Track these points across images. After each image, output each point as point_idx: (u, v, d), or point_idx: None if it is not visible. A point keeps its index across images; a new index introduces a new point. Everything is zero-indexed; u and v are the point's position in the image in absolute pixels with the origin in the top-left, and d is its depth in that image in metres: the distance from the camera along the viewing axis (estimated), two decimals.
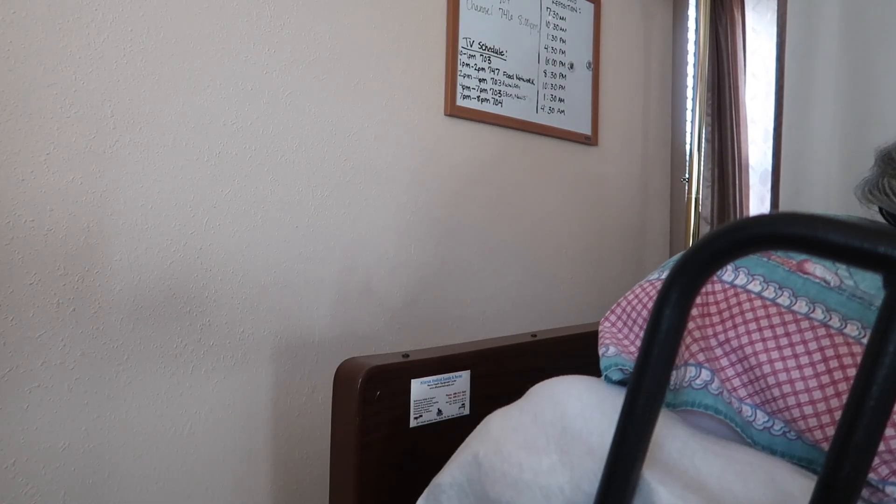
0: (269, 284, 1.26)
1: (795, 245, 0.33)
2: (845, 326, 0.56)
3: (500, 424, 0.61)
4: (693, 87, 1.89)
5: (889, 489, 0.49)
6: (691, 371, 0.60)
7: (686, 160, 1.96)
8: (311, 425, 1.32)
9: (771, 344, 0.57)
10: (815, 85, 1.63)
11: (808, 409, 0.53)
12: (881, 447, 0.49)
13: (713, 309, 0.62)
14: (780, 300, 0.60)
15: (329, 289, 1.35)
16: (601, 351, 0.66)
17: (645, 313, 0.66)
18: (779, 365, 0.55)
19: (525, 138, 1.74)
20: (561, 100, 1.81)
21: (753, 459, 0.52)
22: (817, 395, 0.53)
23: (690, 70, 2.13)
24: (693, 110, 1.87)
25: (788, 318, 0.58)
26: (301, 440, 1.31)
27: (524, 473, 0.54)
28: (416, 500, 0.63)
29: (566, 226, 1.86)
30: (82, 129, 1.04)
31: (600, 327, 0.70)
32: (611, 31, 1.99)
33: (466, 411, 0.89)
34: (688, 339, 0.62)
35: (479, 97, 1.61)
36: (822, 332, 0.56)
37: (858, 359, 0.53)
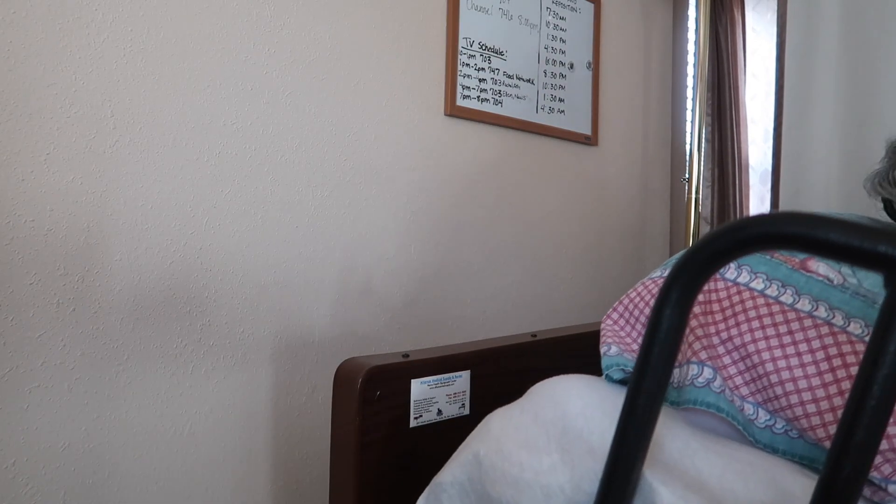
0: (269, 284, 1.26)
1: (795, 244, 0.33)
2: (848, 324, 0.56)
3: (501, 423, 0.61)
4: (693, 87, 1.89)
5: (892, 488, 0.49)
6: (694, 369, 0.60)
7: (686, 160, 1.96)
8: (311, 425, 1.32)
9: (774, 342, 0.56)
10: (815, 85, 1.63)
11: (811, 408, 0.53)
12: (885, 445, 0.49)
13: (716, 307, 0.62)
14: (782, 298, 0.60)
15: (329, 289, 1.35)
16: (603, 350, 0.66)
17: (647, 311, 0.66)
18: (781, 363, 0.55)
19: (525, 138, 1.74)
20: (561, 100, 1.81)
21: (754, 459, 0.52)
22: (820, 393, 0.53)
23: (690, 70, 2.13)
24: (693, 110, 1.87)
25: (791, 315, 0.58)
26: (301, 440, 1.31)
27: (525, 472, 0.54)
28: (417, 499, 0.63)
29: (566, 226, 1.86)
30: (82, 129, 1.04)
31: (602, 325, 0.70)
32: (611, 31, 1.99)
33: (466, 411, 0.89)
34: (690, 337, 0.61)
35: (479, 97, 1.61)
36: (824, 330, 0.56)
37: (861, 357, 0.52)
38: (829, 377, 0.53)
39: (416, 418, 0.84)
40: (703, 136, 1.87)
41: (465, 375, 0.89)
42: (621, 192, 2.04)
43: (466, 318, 1.60)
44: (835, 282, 0.60)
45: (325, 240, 1.34)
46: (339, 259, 1.36)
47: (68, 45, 1.03)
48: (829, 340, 0.55)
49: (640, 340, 0.64)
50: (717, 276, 0.65)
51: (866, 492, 0.50)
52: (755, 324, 0.58)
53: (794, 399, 0.54)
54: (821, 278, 0.61)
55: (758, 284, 0.62)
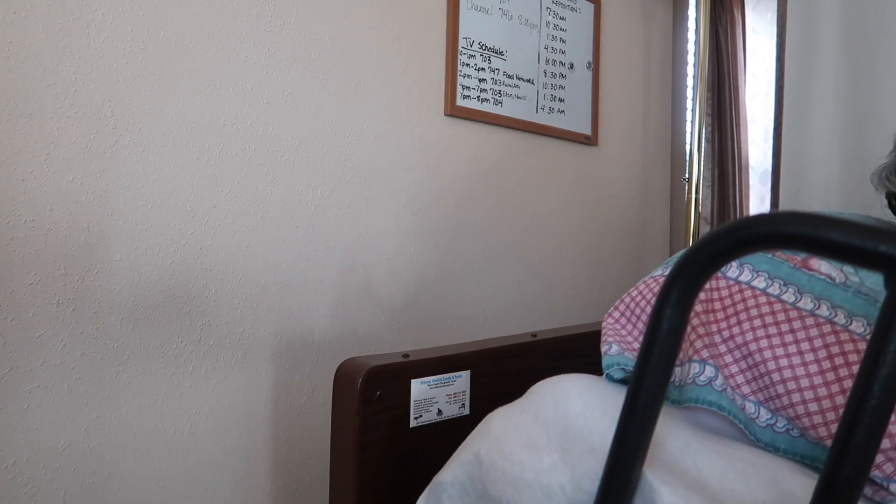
0: (269, 284, 1.26)
1: (796, 244, 0.33)
2: (850, 323, 0.56)
3: (502, 423, 0.61)
4: (693, 87, 1.89)
5: (894, 486, 0.48)
6: (695, 367, 0.60)
7: (686, 160, 1.96)
8: (311, 425, 1.32)
9: (775, 340, 0.56)
10: (815, 85, 1.63)
11: (813, 406, 0.53)
12: (886, 444, 0.49)
13: (717, 305, 0.62)
14: (784, 296, 0.60)
15: (329, 289, 1.35)
16: (604, 349, 0.66)
17: (649, 310, 0.66)
18: (783, 362, 0.55)
19: (525, 138, 1.74)
20: (561, 100, 1.81)
21: (756, 459, 0.52)
22: (822, 391, 0.53)
23: (690, 70, 2.13)
24: (693, 110, 1.87)
25: (793, 314, 0.58)
26: (301, 440, 1.31)
27: (525, 472, 0.54)
28: (417, 499, 0.63)
29: (566, 226, 1.86)
30: (82, 129, 1.04)
31: (604, 323, 0.70)
32: (611, 31, 1.99)
33: (466, 411, 0.89)
34: (692, 335, 0.61)
35: (479, 97, 1.61)
36: (827, 328, 0.56)
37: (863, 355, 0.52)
38: (830, 376, 0.53)
39: (416, 418, 0.84)
40: (703, 136, 1.87)
41: (465, 375, 0.89)
42: (621, 192, 2.04)
43: (466, 318, 1.60)
44: (836, 280, 0.60)
45: (325, 240, 1.34)
46: (339, 259, 1.36)
47: (68, 45, 1.03)
48: (830, 339, 0.55)
49: (641, 338, 0.64)
50: (719, 274, 0.65)
51: (868, 491, 0.50)
52: (757, 322, 0.58)
53: (795, 398, 0.54)
54: (822, 277, 0.60)
55: (759, 283, 0.62)
